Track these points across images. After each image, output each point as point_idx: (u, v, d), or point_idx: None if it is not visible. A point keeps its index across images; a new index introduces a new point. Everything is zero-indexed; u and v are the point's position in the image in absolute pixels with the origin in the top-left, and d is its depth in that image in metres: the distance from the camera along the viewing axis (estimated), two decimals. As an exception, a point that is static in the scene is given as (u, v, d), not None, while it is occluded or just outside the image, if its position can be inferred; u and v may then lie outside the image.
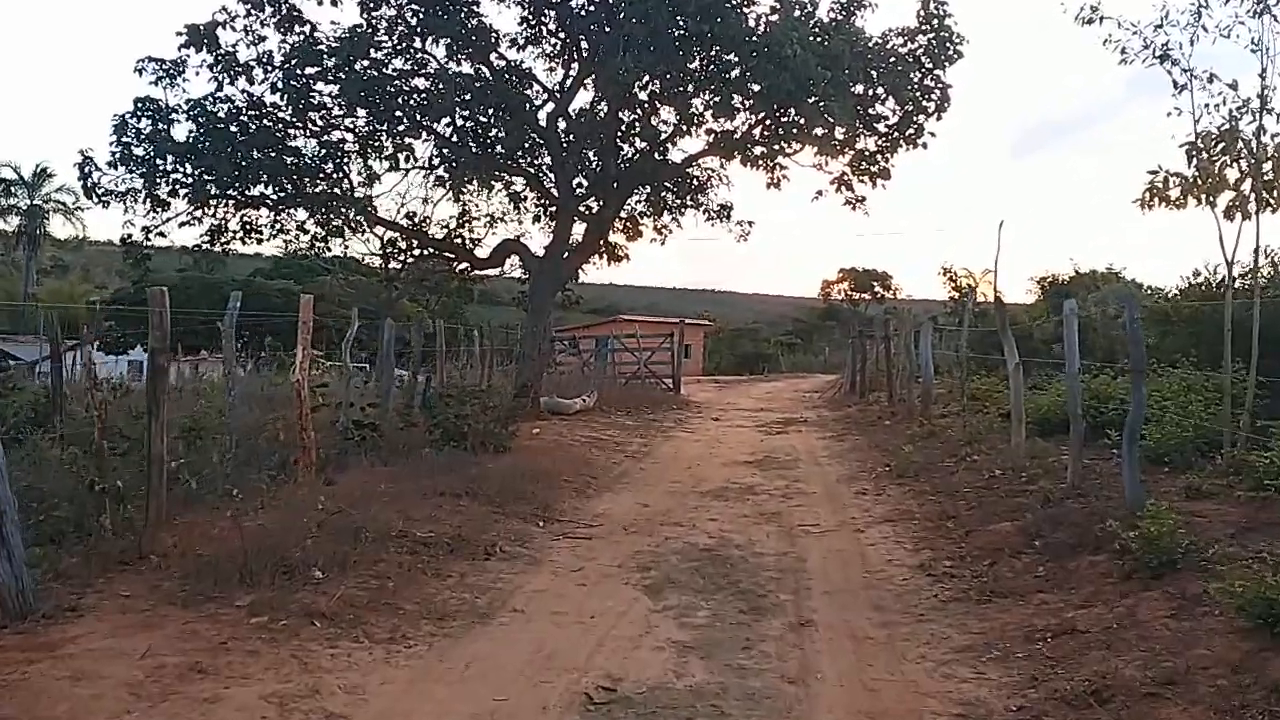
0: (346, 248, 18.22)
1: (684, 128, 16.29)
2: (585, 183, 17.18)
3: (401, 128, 15.44)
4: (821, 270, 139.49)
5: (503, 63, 16.78)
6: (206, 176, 15.90)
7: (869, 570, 7.13)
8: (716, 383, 39.67)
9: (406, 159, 15.71)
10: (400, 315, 38.32)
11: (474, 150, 15.72)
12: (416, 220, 17.66)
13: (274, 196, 16.16)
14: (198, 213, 17.04)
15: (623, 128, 16.46)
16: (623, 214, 18.15)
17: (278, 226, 17.71)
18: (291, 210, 16.88)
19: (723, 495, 10.07)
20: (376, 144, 15.64)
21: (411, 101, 15.16)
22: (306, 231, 18.22)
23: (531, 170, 17.09)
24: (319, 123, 15.54)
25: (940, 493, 9.90)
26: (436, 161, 16.07)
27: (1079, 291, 29.96)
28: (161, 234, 17.00)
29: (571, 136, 15.86)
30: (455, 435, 11.31)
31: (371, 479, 9.53)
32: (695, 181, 19.42)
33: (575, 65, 16.74)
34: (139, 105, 16.09)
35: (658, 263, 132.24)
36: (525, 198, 18.06)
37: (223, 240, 17.57)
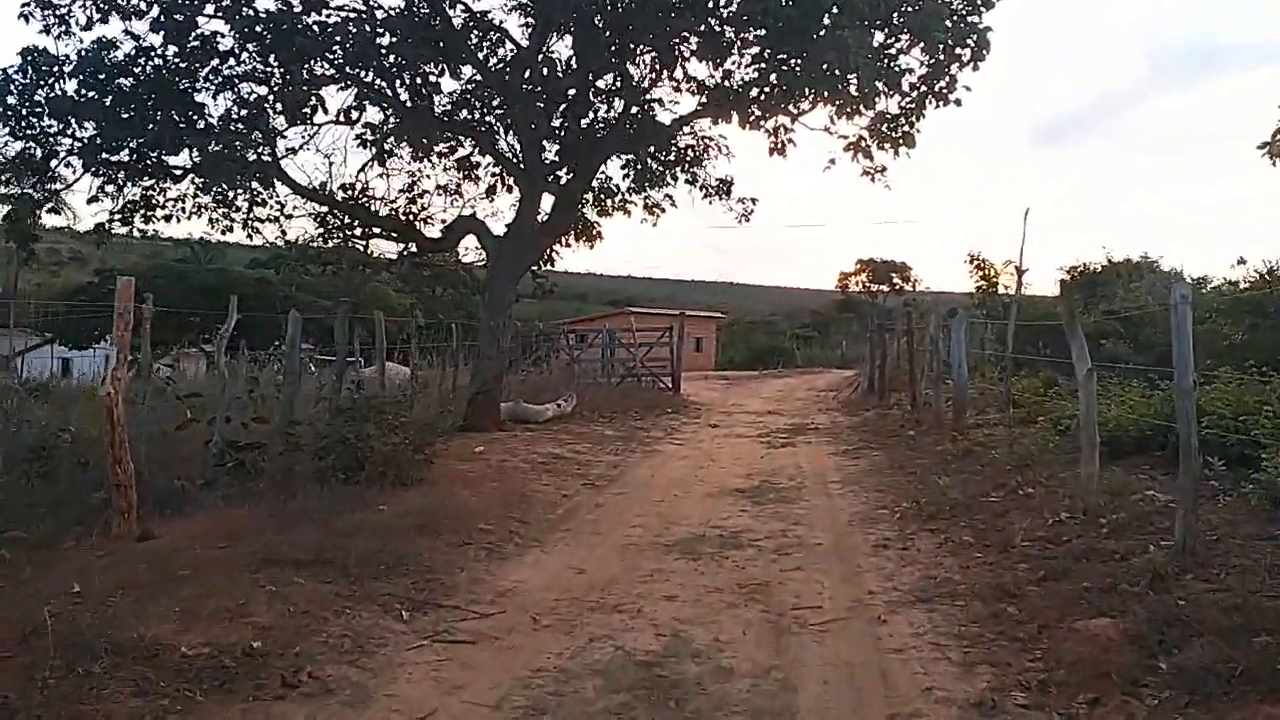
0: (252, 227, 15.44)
1: (664, 73, 13.56)
2: (556, 147, 14.48)
3: (316, 75, 12.74)
4: (840, 261, 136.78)
5: (465, 14, 14.14)
6: (99, 140, 13.34)
7: (896, 711, 4.45)
8: (725, 379, 37.03)
9: (313, 112, 13.03)
10: (387, 307, 35.84)
11: (406, 103, 13.02)
12: (353, 193, 14.92)
13: (181, 165, 13.55)
14: (108, 187, 14.53)
15: (591, 75, 13.73)
16: (600, 186, 15.44)
17: (196, 202, 15.14)
18: (209, 182, 14.26)
19: (694, 551, 7.38)
20: (296, 99, 12.92)
21: (335, 48, 12.47)
22: (238, 209, 15.64)
23: (482, 130, 14.38)
24: (223, 74, 12.88)
25: (990, 548, 7.22)
26: (355, 115, 13.34)
27: (1112, 280, 27.34)
28: (55, 210, 14.50)
29: (536, 88, 13.10)
30: (350, 463, 8.69)
31: (211, 531, 6.98)
32: (691, 152, 16.75)
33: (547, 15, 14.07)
34: (26, 57, 13.53)
35: (676, 255, 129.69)
36: (478, 164, 15.35)
37: (133, 219, 15.04)
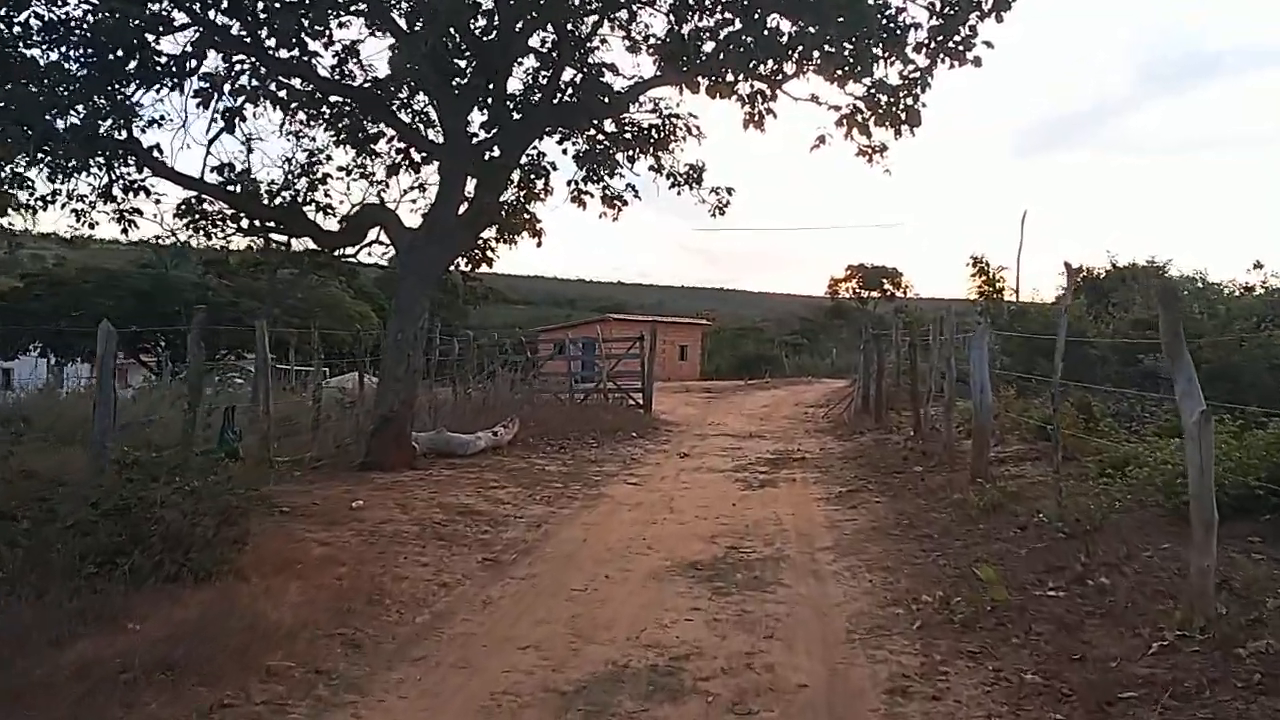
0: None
1: (605, 19, 10.86)
2: (483, 118, 11.78)
3: (158, 17, 9.93)
4: (830, 267, 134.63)
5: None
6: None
7: None
8: (708, 391, 34.29)
9: (138, 61, 10.15)
10: (343, 315, 32.97)
11: (271, 53, 10.27)
12: (235, 175, 12.01)
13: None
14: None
15: (518, 26, 10.99)
16: (530, 164, 12.71)
17: (56, 189, 12.34)
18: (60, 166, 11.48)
19: (602, 708, 4.64)
20: (122, 40, 10.01)
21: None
22: (112, 198, 12.80)
23: (378, 91, 11.57)
24: (45, 20, 10.07)
25: (1072, 702, 4.55)
26: (193, 65, 10.44)
27: (1118, 287, 24.78)
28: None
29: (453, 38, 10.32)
30: (121, 546, 5.93)
31: None
32: (655, 133, 14.03)
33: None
34: None
35: (668, 261, 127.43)
36: (378, 137, 12.46)
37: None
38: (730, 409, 26.44)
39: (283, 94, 10.78)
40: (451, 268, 14.01)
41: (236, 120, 10.80)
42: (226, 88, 10.36)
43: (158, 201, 12.87)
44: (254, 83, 10.45)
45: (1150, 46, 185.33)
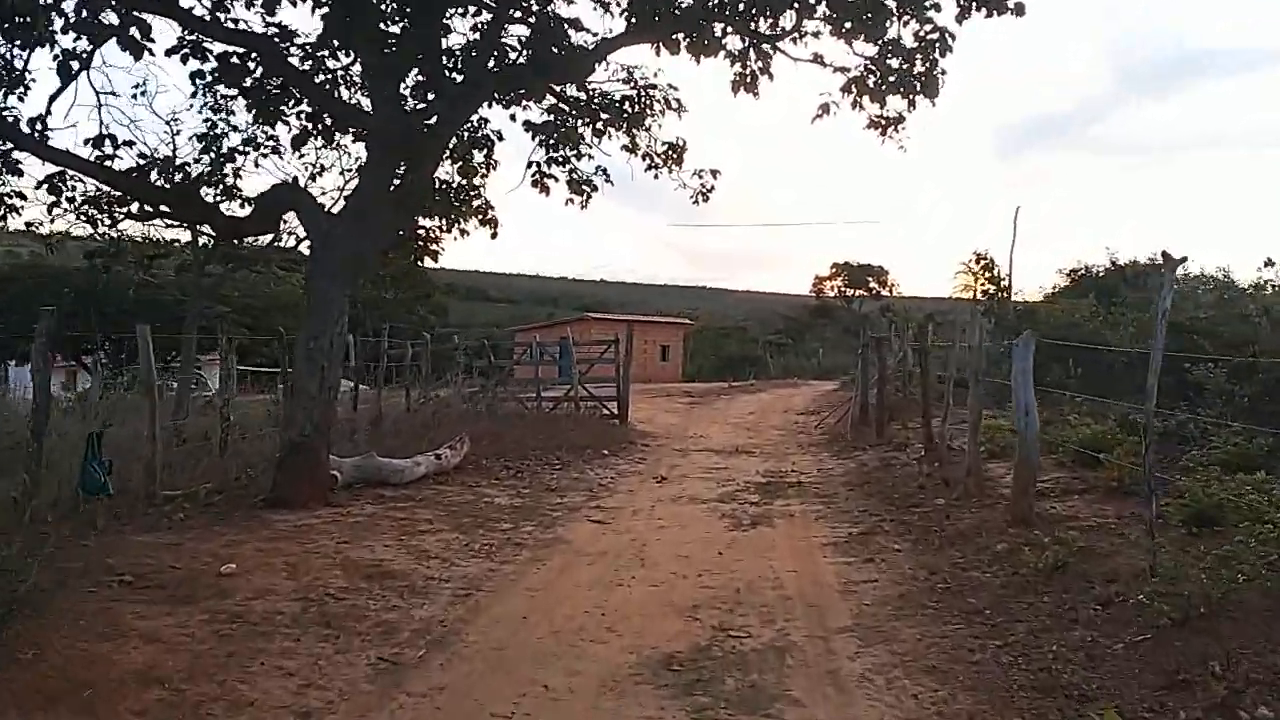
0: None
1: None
2: (416, 77, 9.71)
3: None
4: (814, 265, 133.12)
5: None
6: None
7: None
8: (690, 396, 32.20)
9: None
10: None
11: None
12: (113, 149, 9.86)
13: None
14: None
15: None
16: (469, 135, 10.65)
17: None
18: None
19: None
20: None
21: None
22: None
23: (254, 33, 9.39)
24: None
25: None
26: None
27: (1118, 286, 23.07)
28: None
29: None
30: None
31: None
32: (630, 105, 12.01)
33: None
34: None
35: (652, 260, 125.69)
36: (286, 98, 10.24)
37: None
38: (714, 417, 24.45)
39: (136, 34, 8.55)
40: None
41: (80, 70, 8.65)
42: (58, 24, 8.20)
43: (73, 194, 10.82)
44: (85, 14, 8.28)
45: (1134, 48, 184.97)
